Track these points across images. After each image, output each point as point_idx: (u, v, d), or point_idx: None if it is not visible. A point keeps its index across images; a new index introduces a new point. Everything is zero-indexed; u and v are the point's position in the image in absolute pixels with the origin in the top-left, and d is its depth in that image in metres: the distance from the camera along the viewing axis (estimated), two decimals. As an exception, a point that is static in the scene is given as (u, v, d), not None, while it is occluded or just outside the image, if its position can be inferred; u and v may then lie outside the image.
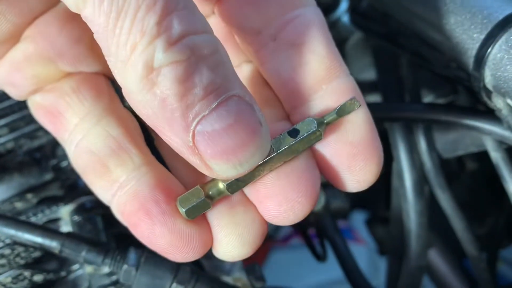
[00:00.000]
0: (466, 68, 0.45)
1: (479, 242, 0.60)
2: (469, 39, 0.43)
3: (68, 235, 0.45)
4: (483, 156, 0.81)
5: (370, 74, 0.69)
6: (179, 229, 0.30)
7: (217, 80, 0.26)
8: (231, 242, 0.31)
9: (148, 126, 0.33)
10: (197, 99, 0.26)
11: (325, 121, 0.30)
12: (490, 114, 0.49)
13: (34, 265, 0.50)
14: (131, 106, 0.28)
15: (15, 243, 0.49)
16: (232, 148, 0.26)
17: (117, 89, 0.37)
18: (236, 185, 0.30)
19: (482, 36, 0.42)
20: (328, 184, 0.67)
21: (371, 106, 0.60)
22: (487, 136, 0.51)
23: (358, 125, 0.31)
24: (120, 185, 0.32)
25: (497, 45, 0.41)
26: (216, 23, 0.35)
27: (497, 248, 0.85)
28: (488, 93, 0.44)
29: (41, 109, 0.35)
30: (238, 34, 0.34)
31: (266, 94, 0.35)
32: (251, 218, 0.31)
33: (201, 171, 0.28)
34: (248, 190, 0.31)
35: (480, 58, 0.42)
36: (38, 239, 0.45)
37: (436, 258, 0.76)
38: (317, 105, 0.31)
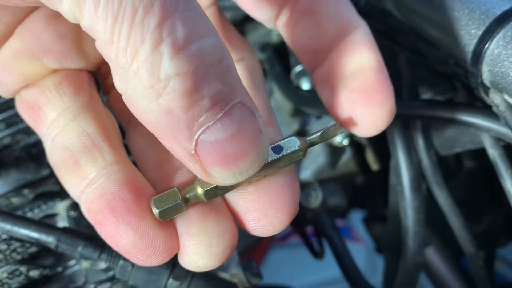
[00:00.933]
0: (463, 64, 0.45)
1: (476, 240, 0.60)
2: (467, 35, 0.43)
3: (64, 230, 0.45)
4: (480, 154, 0.81)
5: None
6: (143, 230, 0.29)
7: (224, 89, 0.25)
8: (199, 252, 0.30)
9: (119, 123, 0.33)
10: (204, 110, 0.25)
11: (308, 140, 0.31)
12: (488, 111, 0.48)
13: (30, 260, 0.49)
14: (132, 111, 0.27)
15: (11, 238, 0.49)
16: (233, 157, 0.26)
17: (98, 86, 0.37)
18: (214, 192, 0.30)
19: (480, 32, 0.42)
20: (325, 182, 0.67)
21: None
22: (485, 133, 0.51)
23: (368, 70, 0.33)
24: (89, 182, 0.31)
25: (494, 41, 0.41)
26: (211, 15, 0.35)
27: (494, 247, 0.85)
28: (486, 89, 0.44)
29: (24, 103, 0.35)
30: (259, 14, 0.35)
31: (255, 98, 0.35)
32: (222, 229, 0.31)
33: (200, 177, 0.28)
34: (230, 202, 0.31)
35: (478, 54, 0.42)
36: (34, 234, 0.45)
37: (433, 256, 0.76)
38: (335, 60, 0.33)
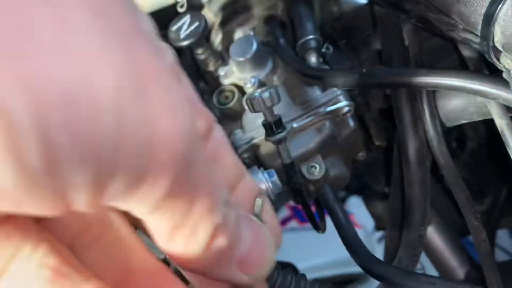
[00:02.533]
0: (474, 28, 0.44)
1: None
2: (479, -4, 0.42)
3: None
4: (484, 135, 0.81)
5: (374, 45, 0.68)
6: None
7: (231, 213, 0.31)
8: None
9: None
10: (229, 233, 0.30)
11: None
12: (496, 78, 0.48)
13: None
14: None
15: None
16: (261, 259, 0.33)
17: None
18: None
19: (493, -8, 0.41)
20: (328, 154, 0.66)
21: (375, 72, 0.60)
22: (492, 102, 0.51)
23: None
24: None
25: (508, 1, 0.40)
26: None
27: (495, 227, 0.84)
28: (497, 53, 0.43)
29: None
30: None
31: None
32: None
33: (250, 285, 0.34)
34: None
35: (490, 16, 0.41)
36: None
37: (433, 234, 0.75)
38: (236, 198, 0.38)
